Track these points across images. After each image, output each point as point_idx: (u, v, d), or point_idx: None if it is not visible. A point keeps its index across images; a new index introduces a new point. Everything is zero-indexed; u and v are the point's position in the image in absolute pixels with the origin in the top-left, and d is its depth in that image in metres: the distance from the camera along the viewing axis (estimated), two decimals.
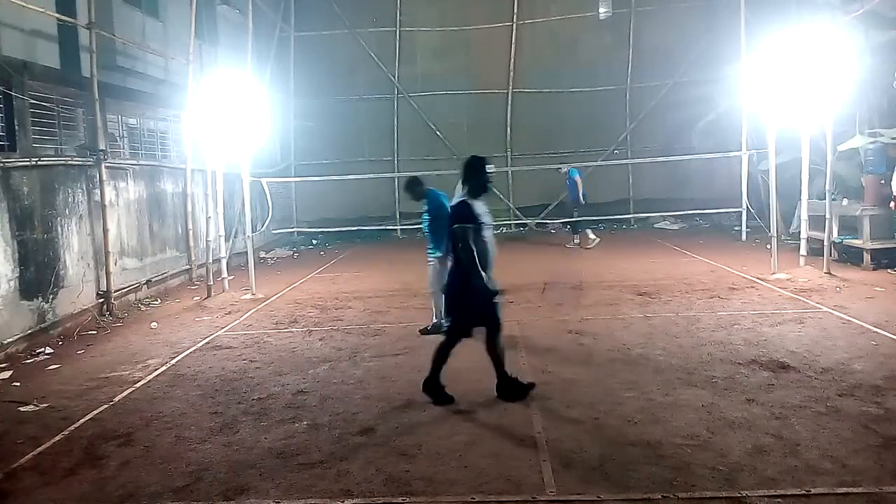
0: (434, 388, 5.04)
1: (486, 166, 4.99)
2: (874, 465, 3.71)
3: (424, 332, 7.06)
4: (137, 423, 4.87)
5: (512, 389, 5.00)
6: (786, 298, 8.00)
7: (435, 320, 7.01)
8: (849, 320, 6.82)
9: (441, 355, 5.03)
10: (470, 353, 6.32)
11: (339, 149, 16.92)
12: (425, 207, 7.02)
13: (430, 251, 7.06)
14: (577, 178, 13.54)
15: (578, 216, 13.76)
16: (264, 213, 12.83)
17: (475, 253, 4.77)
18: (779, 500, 3.40)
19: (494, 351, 5.04)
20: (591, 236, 13.56)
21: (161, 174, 10.58)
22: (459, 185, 5.03)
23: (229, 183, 10.49)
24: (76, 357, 6.78)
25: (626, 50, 16.96)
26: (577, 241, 13.72)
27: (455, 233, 4.83)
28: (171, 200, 10.79)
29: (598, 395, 4.98)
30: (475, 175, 4.97)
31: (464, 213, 4.85)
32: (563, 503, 3.53)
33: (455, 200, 5.01)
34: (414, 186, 7.14)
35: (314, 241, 16.08)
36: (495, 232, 17.20)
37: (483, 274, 4.79)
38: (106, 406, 5.25)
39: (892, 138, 9.96)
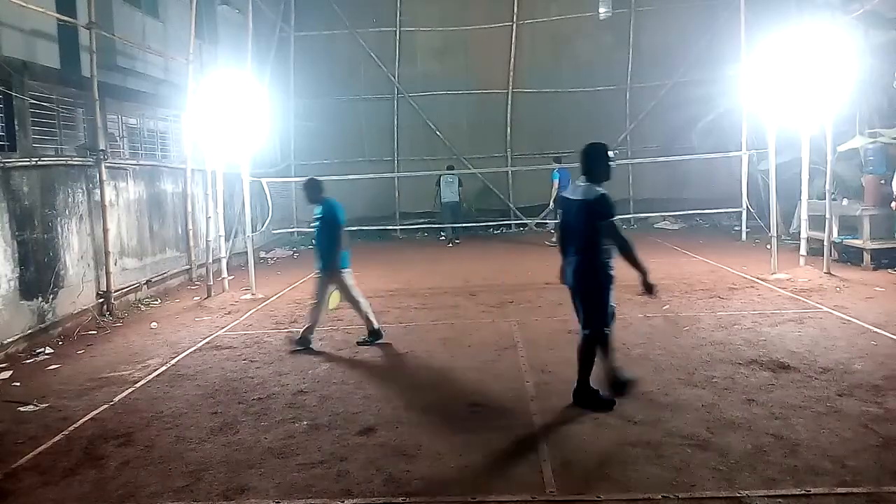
0: (586, 395, 4.76)
1: (609, 152, 4.78)
2: (874, 465, 3.71)
3: (296, 346, 6.57)
4: (137, 423, 4.87)
5: (589, 399, 4.76)
6: (786, 298, 8.01)
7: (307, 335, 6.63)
8: (849, 320, 6.82)
9: (590, 358, 4.76)
10: (470, 353, 6.33)
11: (339, 149, 16.90)
12: (318, 214, 6.65)
13: (317, 266, 6.69)
14: (555, 181, 13.96)
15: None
16: (264, 213, 12.82)
17: (606, 247, 4.64)
18: (779, 500, 3.41)
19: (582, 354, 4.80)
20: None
21: (161, 174, 10.58)
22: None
23: (229, 183, 10.48)
24: (76, 357, 6.78)
25: (626, 50, 16.95)
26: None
27: (608, 228, 4.61)
28: (171, 200, 10.78)
29: None
30: (599, 162, 4.74)
31: (611, 205, 4.60)
32: (563, 503, 3.54)
33: (578, 191, 4.73)
34: (313, 188, 6.71)
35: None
36: (496, 232, 17.39)
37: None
38: (106, 406, 5.25)
39: (893, 138, 9.96)
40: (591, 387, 4.80)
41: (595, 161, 4.76)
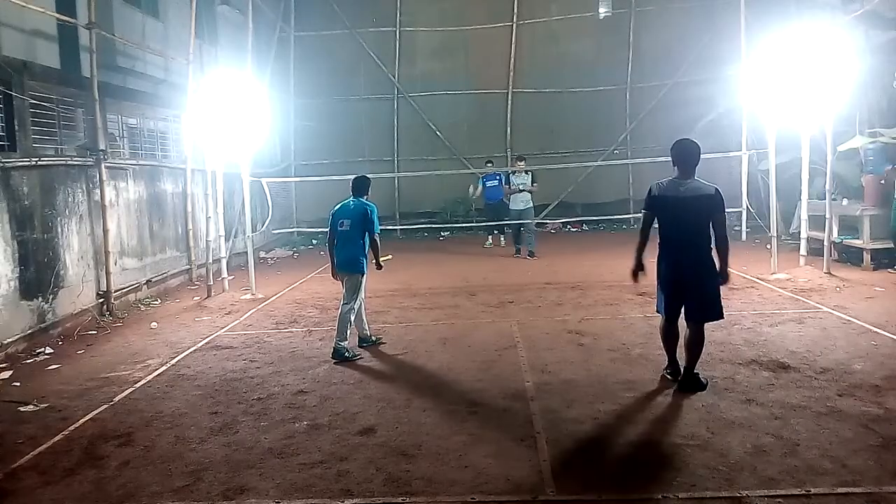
0: (696, 381, 4.99)
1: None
2: (874, 465, 3.71)
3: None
4: (137, 423, 4.87)
5: (698, 384, 5.01)
6: (786, 298, 8.01)
7: None
8: (849, 320, 6.82)
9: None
10: (470, 353, 6.33)
11: (339, 149, 16.88)
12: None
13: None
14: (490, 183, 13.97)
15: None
16: (264, 213, 12.81)
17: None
18: (779, 500, 3.40)
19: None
20: (490, 241, 14.21)
21: (161, 174, 10.57)
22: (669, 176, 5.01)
23: (229, 183, 10.48)
24: (76, 357, 6.78)
25: (626, 50, 16.93)
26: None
27: (724, 221, 4.93)
28: (171, 200, 10.78)
29: (598, 395, 4.98)
30: (697, 158, 5.01)
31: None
32: (563, 503, 3.54)
33: (688, 187, 4.94)
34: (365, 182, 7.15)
35: (314, 241, 16.06)
36: (496, 233, 17.24)
37: None
38: (106, 406, 5.25)
39: (893, 138, 9.96)
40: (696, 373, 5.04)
41: (696, 157, 4.96)
